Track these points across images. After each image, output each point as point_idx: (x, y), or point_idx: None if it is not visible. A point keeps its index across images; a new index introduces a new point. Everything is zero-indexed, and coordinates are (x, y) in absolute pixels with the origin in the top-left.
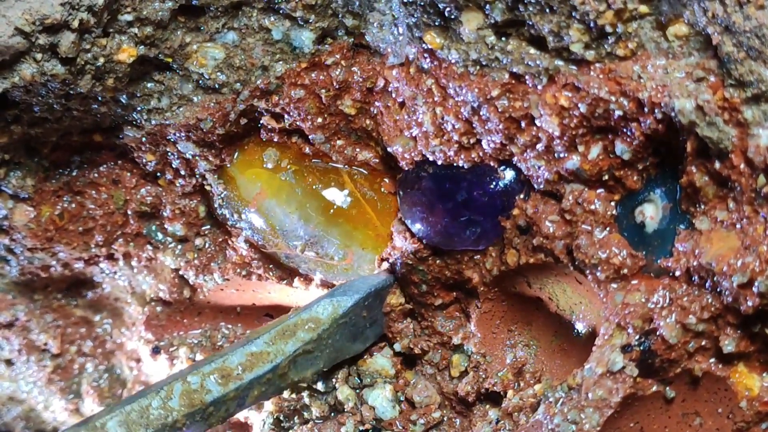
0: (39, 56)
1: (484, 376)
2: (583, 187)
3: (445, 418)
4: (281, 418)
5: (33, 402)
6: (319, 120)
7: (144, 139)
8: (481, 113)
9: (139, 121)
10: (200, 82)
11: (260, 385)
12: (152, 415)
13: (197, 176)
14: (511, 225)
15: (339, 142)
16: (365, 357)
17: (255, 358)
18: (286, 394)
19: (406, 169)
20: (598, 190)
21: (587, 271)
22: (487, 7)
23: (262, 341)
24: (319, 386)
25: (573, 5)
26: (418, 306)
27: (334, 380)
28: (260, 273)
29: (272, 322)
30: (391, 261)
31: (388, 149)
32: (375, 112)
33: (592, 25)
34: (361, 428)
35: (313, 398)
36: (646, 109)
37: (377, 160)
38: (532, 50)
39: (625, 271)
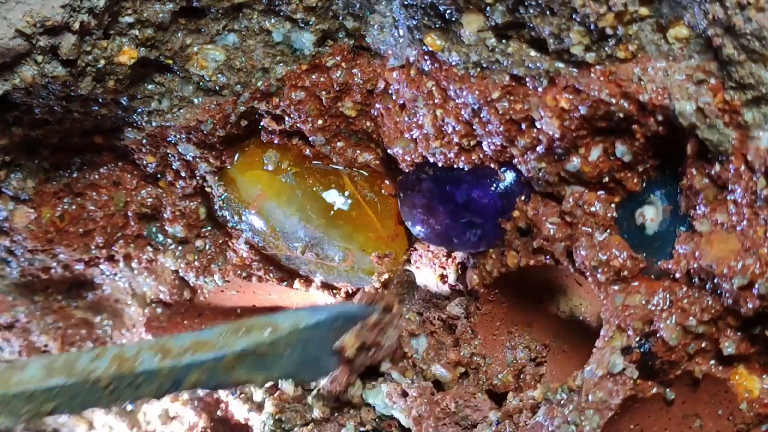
0: (40, 58)
1: (484, 377)
2: (583, 189)
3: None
4: (282, 419)
5: None
6: (320, 122)
7: (144, 140)
8: (481, 115)
9: (139, 122)
10: (201, 84)
11: (200, 371)
12: (78, 367)
13: (198, 178)
14: (511, 227)
15: (339, 144)
16: None
17: (200, 344)
18: (290, 390)
19: (407, 171)
20: (599, 192)
21: (587, 273)
22: (488, 9)
23: (214, 332)
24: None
25: (573, 7)
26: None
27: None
28: (260, 275)
29: (235, 322)
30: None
31: (389, 151)
32: (375, 114)
33: (592, 27)
34: (361, 429)
35: (315, 399)
36: (646, 112)
37: (378, 162)
38: (533, 52)
39: (626, 273)
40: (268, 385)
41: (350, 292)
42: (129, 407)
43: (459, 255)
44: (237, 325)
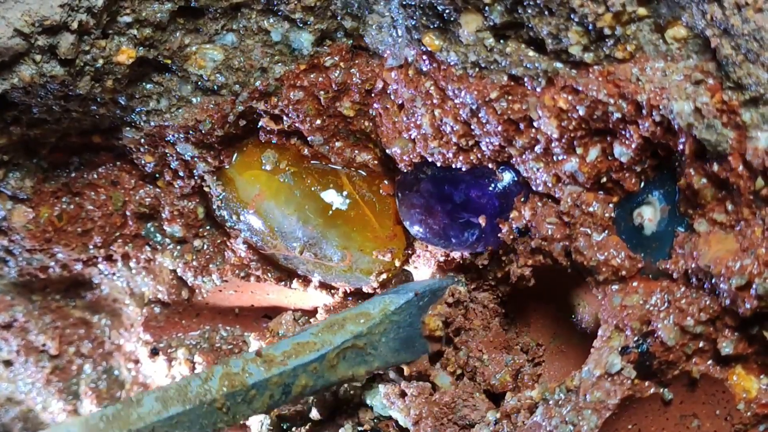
0: (38, 57)
1: (481, 378)
2: (581, 190)
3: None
4: (281, 419)
5: (31, 403)
6: (318, 122)
7: (143, 140)
8: (479, 115)
9: (138, 122)
10: (199, 83)
11: (306, 375)
12: (190, 393)
13: (196, 178)
14: (509, 227)
15: (338, 144)
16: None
17: (300, 347)
18: None
19: (405, 170)
20: (597, 193)
21: (585, 273)
22: (486, 9)
23: (309, 332)
24: None
25: (572, 8)
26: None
27: None
28: (259, 274)
29: (327, 319)
30: None
31: (387, 151)
32: (374, 114)
33: (590, 27)
34: (359, 429)
35: (316, 399)
36: (644, 112)
37: (376, 162)
38: (531, 52)
39: (624, 273)
40: None
41: (348, 292)
42: None
43: (457, 255)
44: (330, 321)
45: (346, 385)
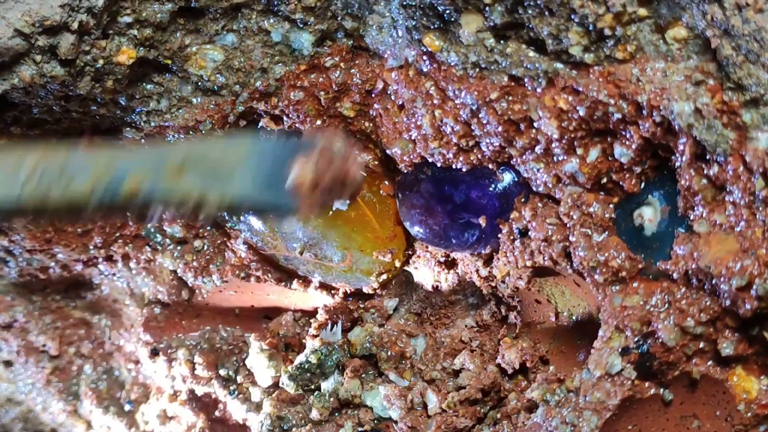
0: (38, 58)
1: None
2: (581, 190)
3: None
4: (280, 419)
5: (31, 403)
6: (318, 122)
7: (143, 140)
8: (480, 116)
9: (138, 122)
10: (199, 84)
11: (139, 175)
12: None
13: None
14: (509, 227)
15: None
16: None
17: (142, 152)
18: (291, 390)
19: (405, 171)
20: (597, 193)
21: (586, 274)
22: (487, 9)
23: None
24: (323, 387)
25: (572, 8)
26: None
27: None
28: (259, 275)
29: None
30: None
31: (387, 151)
32: (374, 114)
33: (591, 28)
34: (360, 430)
35: (316, 399)
36: (644, 112)
37: (376, 163)
38: (531, 53)
39: (624, 273)
40: (267, 384)
41: (348, 292)
42: (127, 407)
43: (457, 255)
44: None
45: (346, 385)
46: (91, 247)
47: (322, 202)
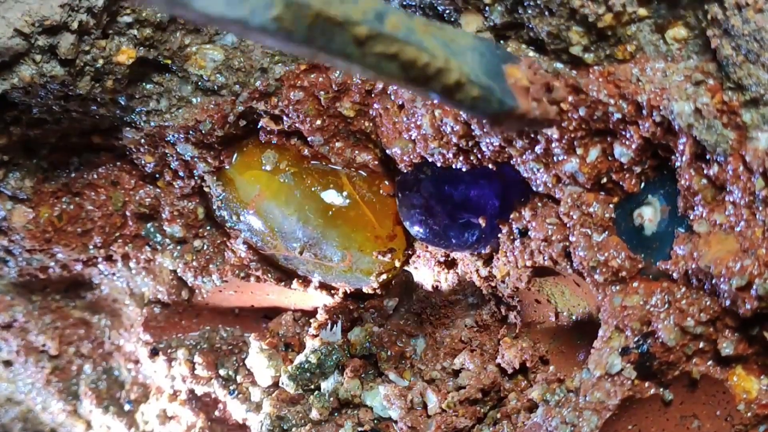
0: (38, 57)
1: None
2: (581, 190)
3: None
4: (280, 419)
5: (31, 403)
6: (318, 122)
7: (143, 140)
8: None
9: (138, 122)
10: (199, 83)
11: (401, 14)
12: None
13: (196, 178)
14: (509, 227)
15: (338, 144)
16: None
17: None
18: (291, 389)
19: (405, 171)
20: (597, 193)
21: (586, 274)
22: (487, 9)
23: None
24: (323, 386)
25: (572, 8)
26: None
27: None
28: (258, 275)
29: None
30: None
31: (387, 151)
32: (374, 114)
33: (591, 27)
34: (359, 430)
35: (316, 399)
36: (644, 112)
37: (376, 163)
38: (531, 53)
39: (624, 273)
40: (267, 384)
41: (348, 292)
42: (127, 407)
43: (457, 255)
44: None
45: (346, 385)
46: (91, 247)
47: (540, 112)
